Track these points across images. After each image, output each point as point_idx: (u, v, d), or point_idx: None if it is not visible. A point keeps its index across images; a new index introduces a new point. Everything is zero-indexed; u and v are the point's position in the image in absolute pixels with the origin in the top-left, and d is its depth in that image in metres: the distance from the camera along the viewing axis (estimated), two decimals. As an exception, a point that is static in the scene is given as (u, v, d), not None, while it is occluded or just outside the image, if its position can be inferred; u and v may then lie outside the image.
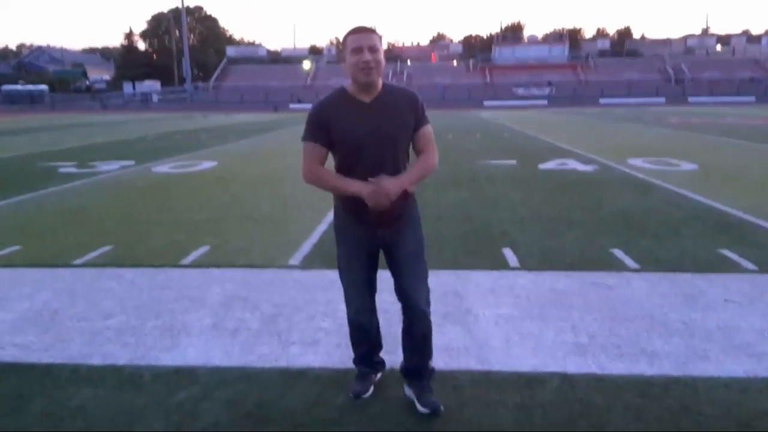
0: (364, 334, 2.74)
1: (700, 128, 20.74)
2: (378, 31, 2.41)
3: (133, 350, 3.21)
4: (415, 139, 2.50)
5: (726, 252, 4.97)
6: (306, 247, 5.29)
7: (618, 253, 4.99)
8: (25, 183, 9.36)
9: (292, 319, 3.59)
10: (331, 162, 2.51)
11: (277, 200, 7.74)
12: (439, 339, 3.18)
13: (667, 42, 74.63)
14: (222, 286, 4.24)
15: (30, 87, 68.67)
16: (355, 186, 2.37)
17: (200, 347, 3.23)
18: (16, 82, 73.25)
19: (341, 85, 2.48)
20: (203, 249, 5.25)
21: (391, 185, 2.35)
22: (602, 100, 56.66)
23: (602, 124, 24.90)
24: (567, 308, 3.75)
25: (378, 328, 2.79)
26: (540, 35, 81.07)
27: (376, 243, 2.54)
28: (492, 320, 3.57)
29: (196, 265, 4.81)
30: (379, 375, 2.83)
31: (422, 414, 2.55)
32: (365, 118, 2.39)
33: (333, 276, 2.99)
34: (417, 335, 2.59)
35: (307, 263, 4.79)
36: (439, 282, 4.14)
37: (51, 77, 79.38)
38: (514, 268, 4.62)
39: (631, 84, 61.90)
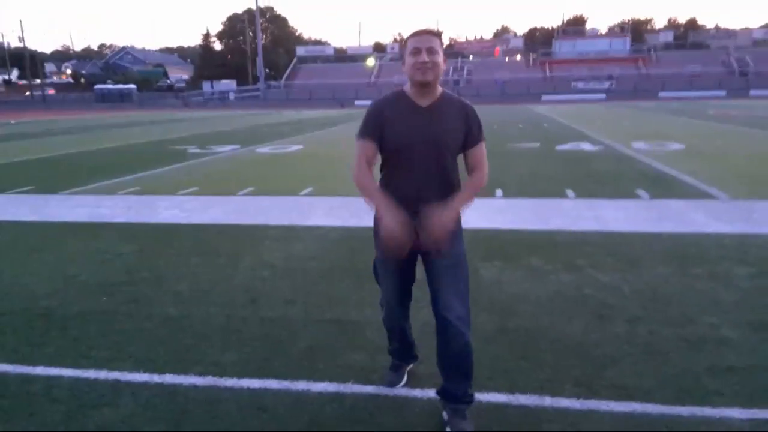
0: (394, 335, 2.85)
1: (731, 120, 22.67)
2: (439, 31, 2.48)
3: (287, 220, 6.52)
4: (467, 156, 2.52)
5: (639, 191, 7.81)
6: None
7: (568, 191, 7.92)
8: (170, 158, 13.00)
9: (369, 214, 6.75)
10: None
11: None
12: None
13: (732, 33, 73.74)
14: (326, 203, 7.51)
15: (120, 86, 75.50)
16: (386, 213, 2.36)
17: (321, 221, 6.49)
18: (104, 82, 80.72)
19: (401, 87, 2.50)
20: (309, 188, 8.54)
21: (444, 216, 2.33)
22: (661, 94, 57.29)
23: (641, 116, 27.05)
24: (516, 211, 6.80)
25: (406, 331, 2.85)
26: (604, 28, 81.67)
27: (412, 251, 2.43)
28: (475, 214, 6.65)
29: (308, 195, 8.10)
30: (410, 365, 2.99)
31: None
32: (419, 122, 2.42)
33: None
34: (453, 354, 2.48)
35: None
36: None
37: (136, 77, 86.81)
38: (497, 197, 7.65)
39: (693, 77, 62.07)
